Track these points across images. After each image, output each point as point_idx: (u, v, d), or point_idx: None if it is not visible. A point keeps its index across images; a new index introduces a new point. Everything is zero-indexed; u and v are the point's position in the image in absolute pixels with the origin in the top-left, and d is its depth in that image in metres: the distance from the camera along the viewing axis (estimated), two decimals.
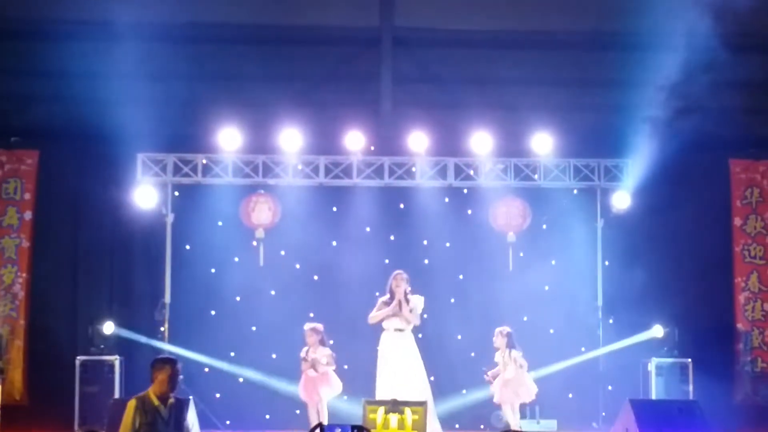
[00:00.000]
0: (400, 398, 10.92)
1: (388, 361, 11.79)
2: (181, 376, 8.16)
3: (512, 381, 11.84)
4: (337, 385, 11.78)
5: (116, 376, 12.54)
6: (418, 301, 11.97)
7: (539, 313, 13.54)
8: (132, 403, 7.99)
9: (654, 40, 13.14)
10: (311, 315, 12.81)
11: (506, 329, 11.96)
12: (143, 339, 12.97)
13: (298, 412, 12.26)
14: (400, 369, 11.70)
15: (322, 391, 11.70)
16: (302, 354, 11.76)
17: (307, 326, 11.88)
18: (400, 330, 11.87)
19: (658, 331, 13.00)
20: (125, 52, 12.79)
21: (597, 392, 13.24)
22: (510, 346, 11.89)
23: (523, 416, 12.89)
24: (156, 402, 7.99)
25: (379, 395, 11.53)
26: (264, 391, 13.00)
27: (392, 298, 11.84)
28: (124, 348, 12.95)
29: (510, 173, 13.37)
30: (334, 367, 11.77)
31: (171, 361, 8.16)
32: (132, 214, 13.23)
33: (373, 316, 11.90)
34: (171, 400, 8.08)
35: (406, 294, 11.86)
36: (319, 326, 11.85)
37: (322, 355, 11.75)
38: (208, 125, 13.24)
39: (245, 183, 13.38)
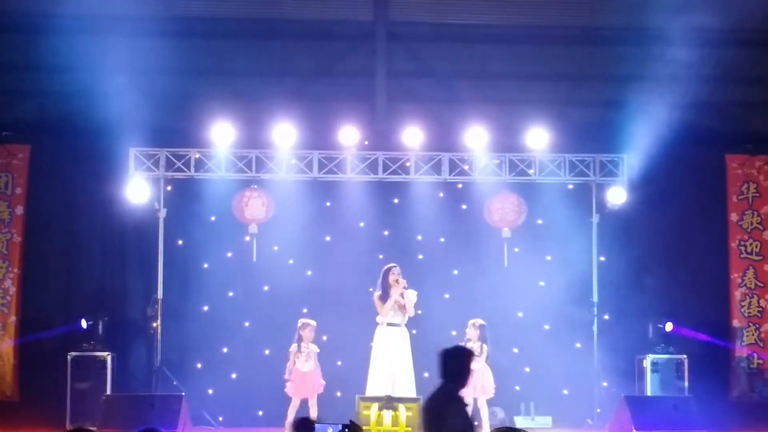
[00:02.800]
0: (392, 394, 10.85)
1: (379, 356, 11.74)
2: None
3: (476, 374, 11.77)
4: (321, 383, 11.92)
5: (108, 372, 12.46)
6: (412, 295, 11.90)
7: (534, 309, 13.47)
8: (462, 400, 7.40)
9: (649, 35, 13.13)
10: (304, 311, 12.75)
11: (479, 321, 11.91)
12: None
13: None
14: (390, 365, 11.65)
15: (317, 386, 11.73)
16: (293, 349, 11.73)
17: (308, 321, 11.88)
18: (396, 325, 11.80)
19: (668, 326, 12.94)
20: (118, 46, 12.79)
21: (592, 389, 13.16)
22: (482, 339, 11.82)
23: (517, 413, 12.87)
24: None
25: (370, 391, 11.50)
26: (257, 388, 12.92)
27: (385, 292, 11.72)
28: (116, 344, 12.88)
29: (505, 168, 13.30)
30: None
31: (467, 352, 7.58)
32: (124, 209, 13.15)
33: (383, 312, 11.73)
34: None
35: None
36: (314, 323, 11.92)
37: (314, 351, 11.79)
38: (201, 120, 13.19)
39: (238, 178, 13.30)
